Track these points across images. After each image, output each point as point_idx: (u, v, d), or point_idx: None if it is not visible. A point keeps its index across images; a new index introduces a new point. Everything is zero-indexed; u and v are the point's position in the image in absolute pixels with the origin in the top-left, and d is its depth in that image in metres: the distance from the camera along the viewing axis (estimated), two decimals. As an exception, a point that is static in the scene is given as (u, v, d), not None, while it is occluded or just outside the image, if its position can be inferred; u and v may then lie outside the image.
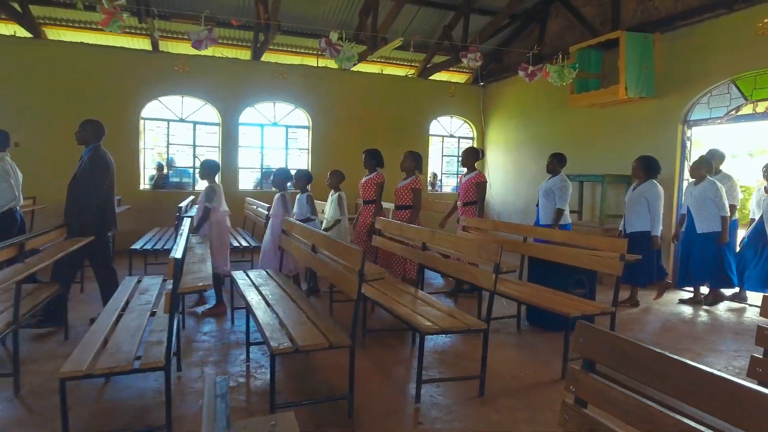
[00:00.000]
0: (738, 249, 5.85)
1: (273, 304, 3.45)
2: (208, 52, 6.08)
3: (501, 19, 8.59)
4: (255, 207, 7.06)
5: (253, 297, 3.64)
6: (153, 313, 3.24)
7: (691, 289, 5.90)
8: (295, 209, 5.46)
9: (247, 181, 9.77)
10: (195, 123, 9.02)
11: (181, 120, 8.93)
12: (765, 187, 5.58)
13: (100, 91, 8.07)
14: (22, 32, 7.74)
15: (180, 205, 5.68)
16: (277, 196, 5.25)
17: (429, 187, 11.03)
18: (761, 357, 1.95)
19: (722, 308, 5.65)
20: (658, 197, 5.31)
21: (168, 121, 8.86)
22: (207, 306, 5.10)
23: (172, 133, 8.94)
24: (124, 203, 7.87)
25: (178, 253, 2.54)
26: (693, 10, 6.43)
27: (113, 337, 2.76)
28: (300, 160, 9.89)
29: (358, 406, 2.99)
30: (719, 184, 5.39)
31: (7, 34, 7.78)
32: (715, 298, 5.77)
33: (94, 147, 4.45)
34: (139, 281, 4.07)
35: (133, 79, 8.30)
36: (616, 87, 6.83)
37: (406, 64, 10.30)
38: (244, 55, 9.25)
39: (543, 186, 5.98)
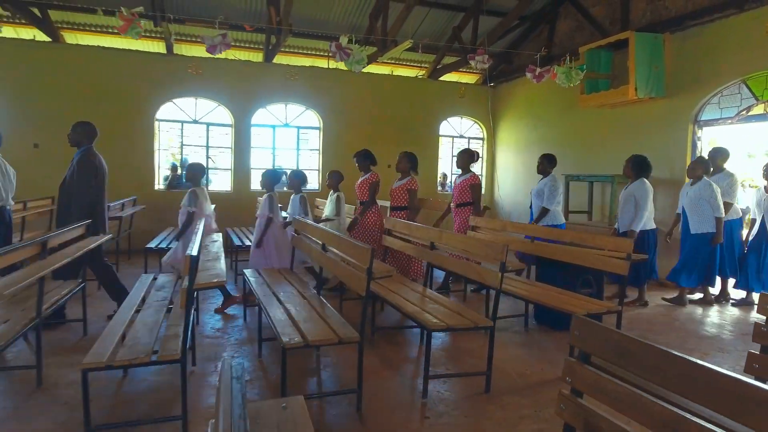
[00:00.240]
0: (744, 249, 5.81)
1: (284, 301, 3.55)
2: (221, 54, 6.21)
3: (510, 20, 8.62)
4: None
5: (265, 294, 3.74)
6: (169, 309, 3.36)
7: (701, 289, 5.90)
8: (288, 209, 5.53)
9: (259, 181, 9.88)
10: (208, 124, 9.18)
11: (195, 121, 9.10)
12: (765, 187, 5.55)
13: (116, 94, 8.27)
14: (42, 36, 7.96)
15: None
16: (264, 196, 5.27)
17: (439, 187, 11.10)
18: (758, 353, 2.00)
19: (731, 309, 5.64)
20: (646, 195, 5.34)
21: (182, 122, 9.05)
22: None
23: (186, 134, 9.13)
24: (139, 203, 8.07)
25: (194, 250, 2.65)
26: (703, 10, 6.42)
27: (131, 331, 2.88)
28: (311, 161, 10.02)
29: (366, 399, 3.08)
30: (715, 185, 5.35)
31: (27, 38, 8.02)
32: (705, 297, 5.82)
33: (86, 149, 4.44)
34: (154, 278, 4.19)
35: (148, 81, 8.48)
36: (625, 87, 6.83)
37: (416, 65, 10.37)
38: (256, 57, 9.39)
39: (535, 187, 6.07)
